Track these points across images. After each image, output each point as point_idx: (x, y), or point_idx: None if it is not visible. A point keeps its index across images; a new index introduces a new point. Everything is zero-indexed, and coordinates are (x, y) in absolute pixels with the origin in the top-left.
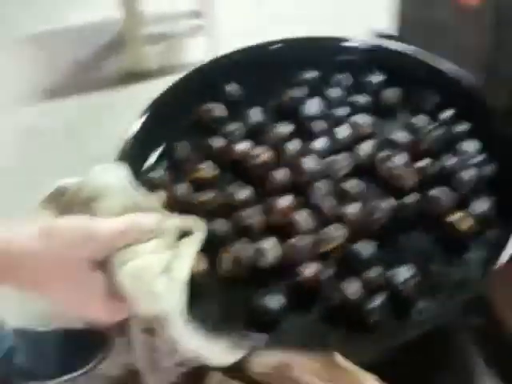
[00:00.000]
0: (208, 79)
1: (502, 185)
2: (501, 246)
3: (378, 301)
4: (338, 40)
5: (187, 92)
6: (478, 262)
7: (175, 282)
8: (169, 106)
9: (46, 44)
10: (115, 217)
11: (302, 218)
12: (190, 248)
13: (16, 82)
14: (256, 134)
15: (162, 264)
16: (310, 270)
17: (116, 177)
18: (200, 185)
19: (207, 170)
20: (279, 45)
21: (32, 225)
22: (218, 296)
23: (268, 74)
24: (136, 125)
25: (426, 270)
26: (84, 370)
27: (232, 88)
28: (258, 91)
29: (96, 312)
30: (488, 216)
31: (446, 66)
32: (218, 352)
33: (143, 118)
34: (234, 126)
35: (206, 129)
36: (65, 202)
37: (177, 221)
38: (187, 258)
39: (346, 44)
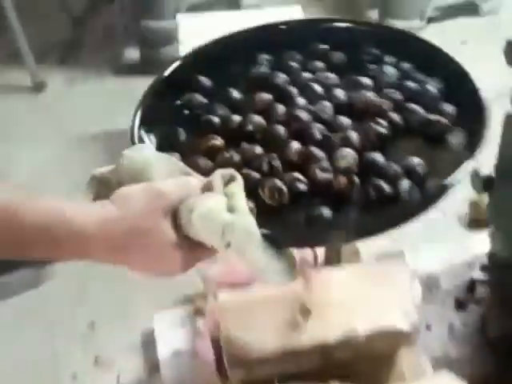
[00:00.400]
0: (184, 72)
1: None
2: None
3: (406, 185)
4: (284, 23)
5: (170, 87)
6: (460, 146)
7: (240, 213)
8: (159, 99)
9: (97, 145)
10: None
11: (315, 151)
12: (239, 188)
13: (65, 180)
14: (241, 108)
15: (222, 204)
16: (342, 180)
17: (149, 151)
18: (213, 153)
19: (216, 140)
20: (241, 34)
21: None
22: (270, 222)
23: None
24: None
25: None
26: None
27: (204, 79)
28: (228, 76)
29: (172, 261)
30: (454, 115)
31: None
32: (278, 272)
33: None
34: (218, 107)
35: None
36: (114, 180)
37: (220, 171)
38: (240, 196)
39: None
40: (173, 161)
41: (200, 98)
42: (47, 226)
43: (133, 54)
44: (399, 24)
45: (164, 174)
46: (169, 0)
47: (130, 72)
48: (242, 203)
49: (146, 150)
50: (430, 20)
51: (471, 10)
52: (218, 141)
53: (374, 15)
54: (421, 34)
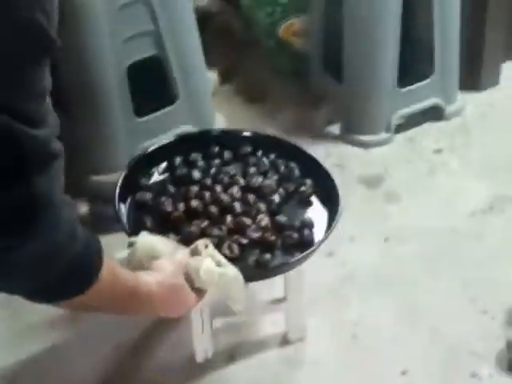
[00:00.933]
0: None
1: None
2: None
3: (307, 232)
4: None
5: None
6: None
7: (227, 266)
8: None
9: None
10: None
11: (244, 219)
12: (213, 250)
13: None
14: (179, 197)
15: (212, 261)
16: (269, 235)
17: (150, 235)
18: (176, 228)
19: (177, 213)
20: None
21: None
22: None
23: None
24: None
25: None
26: None
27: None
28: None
29: (191, 302)
30: (313, 185)
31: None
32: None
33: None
34: (164, 199)
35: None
36: (134, 258)
37: (200, 241)
38: (218, 254)
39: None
40: (166, 239)
41: (148, 195)
42: (137, 289)
43: (80, 209)
44: (365, 139)
45: (167, 248)
46: (118, 145)
47: None
48: (223, 259)
49: (147, 235)
50: (397, 129)
51: (436, 114)
52: (179, 215)
53: (335, 130)
54: (390, 145)
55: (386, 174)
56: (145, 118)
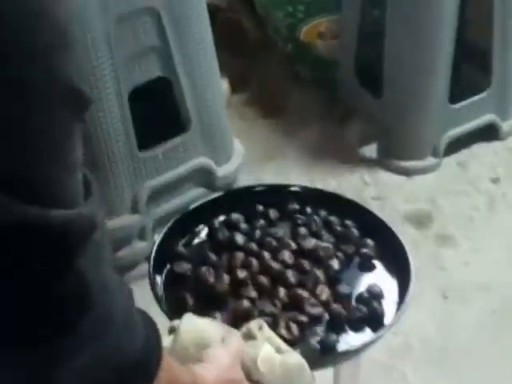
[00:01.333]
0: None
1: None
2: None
3: (376, 304)
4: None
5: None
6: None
7: (287, 352)
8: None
9: None
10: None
11: (299, 291)
12: (270, 331)
13: None
14: (221, 267)
15: (271, 347)
16: (335, 309)
17: (194, 318)
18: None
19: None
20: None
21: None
22: None
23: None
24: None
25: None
26: None
27: (182, 249)
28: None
29: None
30: (374, 247)
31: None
32: None
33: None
34: (205, 269)
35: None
36: (177, 347)
37: (251, 324)
38: (275, 337)
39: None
40: (214, 322)
41: (186, 266)
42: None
43: None
44: (409, 165)
45: (216, 333)
46: (121, 186)
47: None
48: (282, 344)
49: (192, 319)
50: (445, 152)
51: (490, 133)
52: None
53: (370, 153)
54: (438, 172)
55: (435, 210)
56: (150, 153)
